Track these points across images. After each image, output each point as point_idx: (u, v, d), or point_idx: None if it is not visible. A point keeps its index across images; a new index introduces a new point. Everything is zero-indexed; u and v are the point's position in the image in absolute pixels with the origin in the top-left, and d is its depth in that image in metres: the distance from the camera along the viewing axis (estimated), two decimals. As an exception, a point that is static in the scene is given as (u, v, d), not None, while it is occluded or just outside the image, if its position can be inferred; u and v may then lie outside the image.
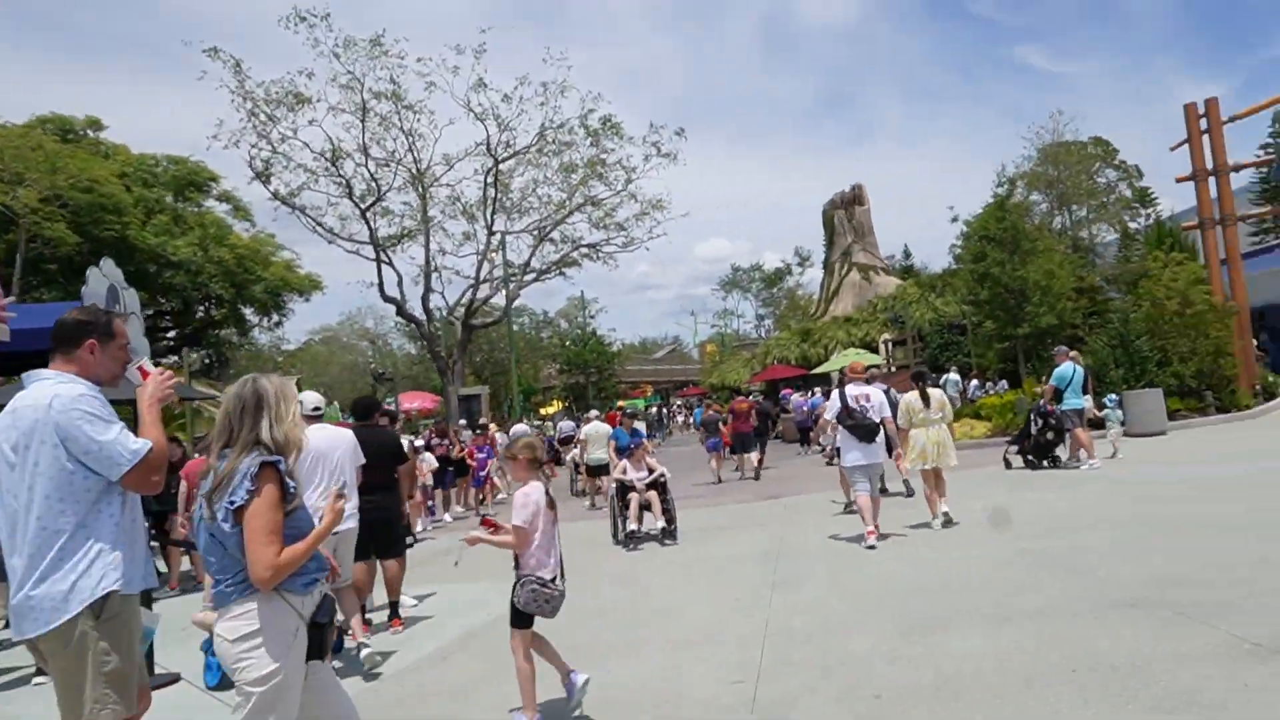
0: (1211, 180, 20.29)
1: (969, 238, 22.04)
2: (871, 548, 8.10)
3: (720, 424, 17.95)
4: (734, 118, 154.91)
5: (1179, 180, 20.92)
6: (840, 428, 8.55)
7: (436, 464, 14.31)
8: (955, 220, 22.62)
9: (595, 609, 6.84)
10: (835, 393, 8.79)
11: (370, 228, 31.97)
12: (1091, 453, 12.23)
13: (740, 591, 6.96)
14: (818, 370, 30.42)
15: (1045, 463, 12.81)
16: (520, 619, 4.30)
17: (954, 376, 26.23)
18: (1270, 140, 38.74)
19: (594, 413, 19.06)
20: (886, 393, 9.28)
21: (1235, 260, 20.21)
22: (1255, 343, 21.37)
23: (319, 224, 32.02)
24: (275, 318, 40.66)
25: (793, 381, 34.24)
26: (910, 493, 11.14)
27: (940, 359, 30.81)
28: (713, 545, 9.50)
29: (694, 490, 15.77)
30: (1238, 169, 20.44)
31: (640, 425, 26.66)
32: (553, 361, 56.93)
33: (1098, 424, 14.14)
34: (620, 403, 25.18)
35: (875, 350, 33.07)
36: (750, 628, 5.77)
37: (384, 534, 6.85)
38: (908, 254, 63.37)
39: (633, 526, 9.89)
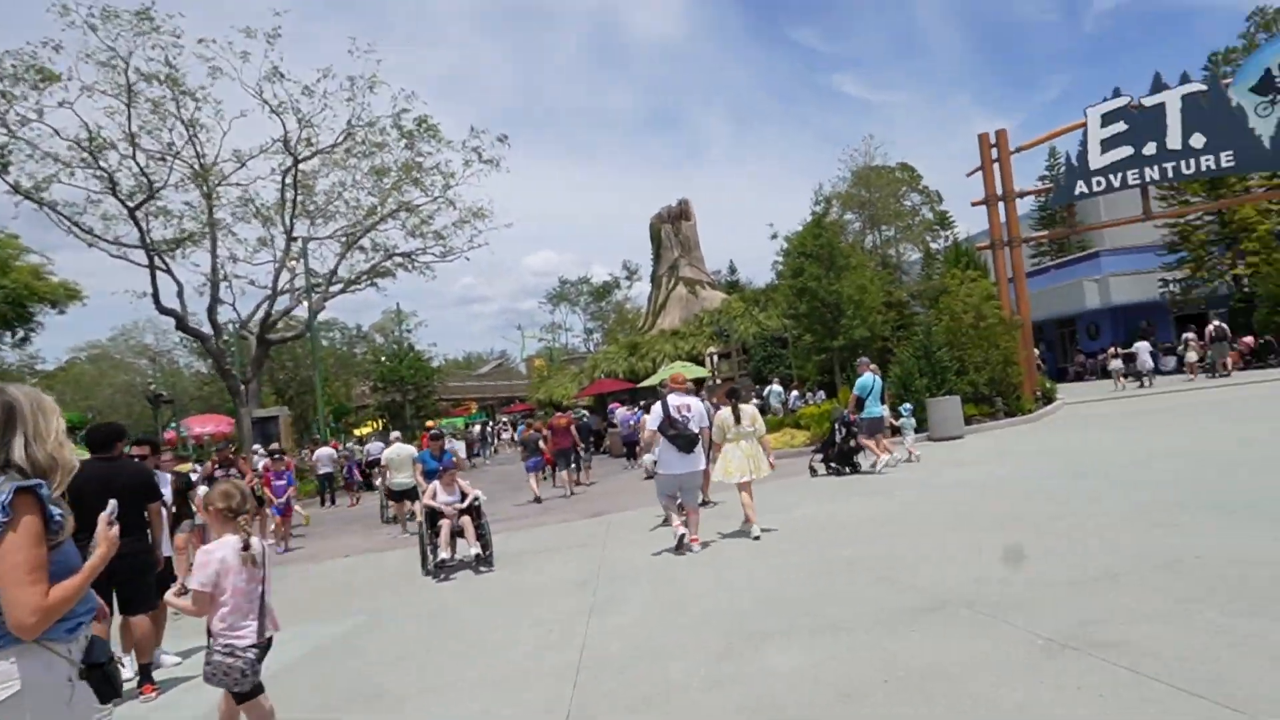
0: (1001, 205, 22.63)
1: (788, 254, 23.41)
2: (695, 550, 8.67)
3: (540, 442, 17.89)
4: (562, 129, 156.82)
5: (974, 204, 23.23)
6: (662, 437, 8.76)
7: None
8: (775, 237, 23.95)
9: (398, 651, 6.57)
10: (657, 404, 9.06)
11: (141, 229, 28.49)
12: (881, 453, 13.43)
13: (557, 620, 6.80)
14: (645, 383, 31.08)
15: (848, 469, 13.80)
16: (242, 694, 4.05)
17: (777, 388, 27.69)
18: (1046, 172, 43.50)
19: (396, 434, 18.48)
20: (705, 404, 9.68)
21: (1020, 278, 22.61)
22: (1036, 353, 23.92)
23: (75, 223, 28.31)
24: (20, 333, 35.01)
25: (620, 395, 34.62)
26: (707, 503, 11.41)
27: (763, 371, 32.37)
28: (530, 571, 9.29)
29: (515, 511, 15.50)
30: (1023, 195, 22.92)
31: (459, 445, 26.21)
32: (366, 379, 54.46)
33: (896, 431, 15.45)
34: (429, 422, 24.38)
35: (701, 363, 34.25)
36: (565, 659, 5.64)
37: (131, 585, 6.21)
38: (733, 269, 66.13)
39: (444, 555, 9.38)
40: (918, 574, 6.70)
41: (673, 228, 44.60)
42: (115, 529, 2.70)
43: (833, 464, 13.96)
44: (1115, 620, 4.83)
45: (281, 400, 45.37)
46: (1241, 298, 30.32)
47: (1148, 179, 21.52)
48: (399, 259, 34.32)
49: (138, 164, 28.09)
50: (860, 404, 13.64)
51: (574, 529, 12.30)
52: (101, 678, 2.46)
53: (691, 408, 8.75)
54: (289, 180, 31.02)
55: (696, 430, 8.69)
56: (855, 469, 13.79)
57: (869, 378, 13.80)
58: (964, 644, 4.82)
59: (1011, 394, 20.24)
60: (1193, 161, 21.01)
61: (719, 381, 26.60)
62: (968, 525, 8.34)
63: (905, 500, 10.59)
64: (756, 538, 8.97)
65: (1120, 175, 21.65)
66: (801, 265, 22.63)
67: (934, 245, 50.28)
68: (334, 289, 33.98)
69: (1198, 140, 20.92)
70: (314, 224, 33.26)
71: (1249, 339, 27.71)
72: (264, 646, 4.14)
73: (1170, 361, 29.88)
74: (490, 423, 53.49)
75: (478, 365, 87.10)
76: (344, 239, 33.33)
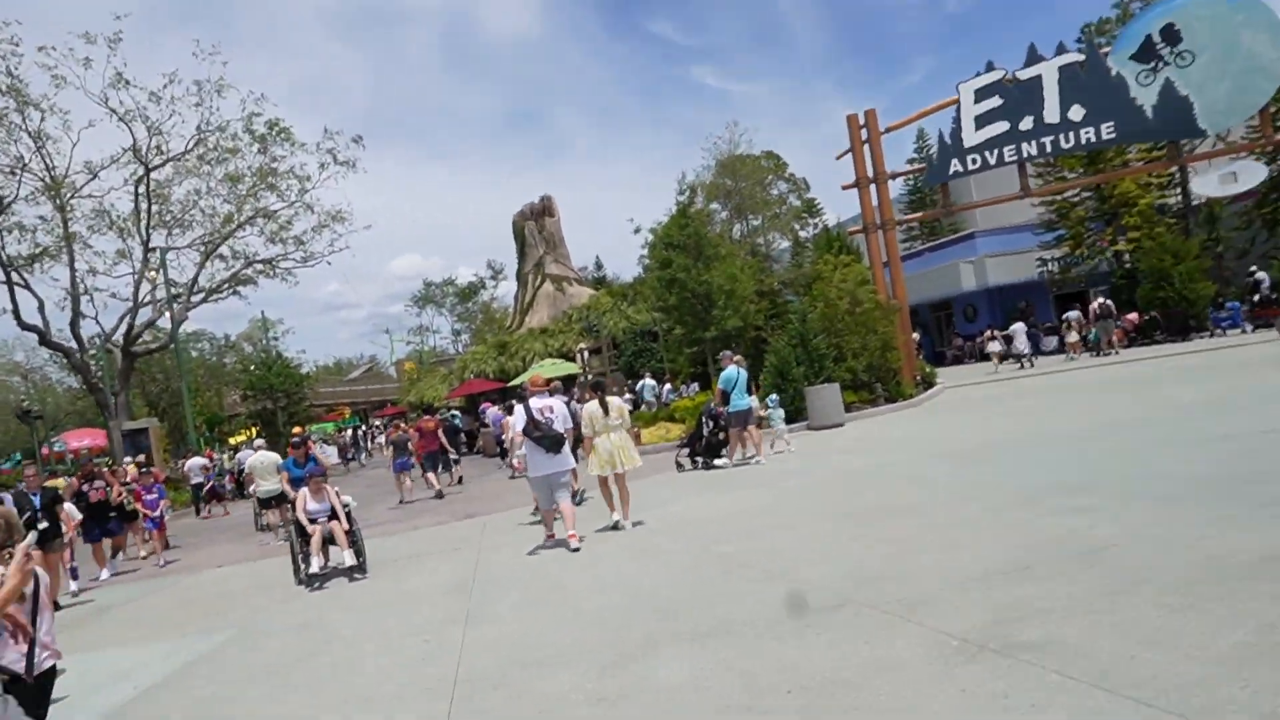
0: (872, 187, 22.17)
1: (654, 246, 22.17)
2: (574, 546, 8.36)
3: (409, 443, 18.01)
4: (421, 132, 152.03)
5: (845, 187, 22.66)
6: (527, 439, 8.78)
7: (79, 515, 12.21)
8: (637, 231, 22.92)
9: (264, 668, 6.07)
10: (519, 407, 9.08)
11: None
12: (752, 446, 13.26)
13: (431, 630, 6.22)
14: (516, 382, 29.37)
15: (716, 462, 13.51)
16: None
17: (649, 381, 26.60)
18: (916, 155, 44.10)
19: (259, 442, 18.54)
20: (567, 404, 9.77)
21: (895, 261, 22.17)
22: (915, 337, 23.51)
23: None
24: None
25: (491, 395, 33.23)
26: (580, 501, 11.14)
27: (635, 365, 31.22)
28: (405, 577, 8.68)
29: (388, 515, 14.99)
30: (894, 176, 22.53)
31: (331, 450, 24.36)
32: (236, 387, 52.24)
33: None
34: (295, 429, 22.66)
35: (572, 359, 32.76)
36: (441, 673, 5.12)
37: None
38: (599, 265, 65.00)
39: (315, 565, 8.93)
40: (810, 569, 5.99)
41: (536, 225, 43.02)
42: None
43: (699, 458, 13.77)
44: (1035, 617, 4.21)
45: (154, 412, 44.73)
46: (1123, 274, 30.94)
47: (1025, 154, 21.40)
48: (259, 266, 33.49)
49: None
50: (725, 397, 13.30)
51: (449, 532, 11.61)
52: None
53: (554, 409, 8.88)
54: (142, 190, 30.07)
55: (561, 430, 8.79)
56: (717, 462, 13.61)
57: (733, 370, 13.39)
58: (871, 648, 4.26)
59: (891, 379, 19.66)
60: (1072, 134, 20.98)
61: (590, 377, 25.15)
62: (857, 516, 7.52)
63: (786, 491, 9.71)
64: (636, 525, 9.06)
65: (996, 152, 21.46)
66: (669, 257, 21.47)
67: (803, 233, 50.61)
68: (195, 299, 32.87)
69: (1077, 112, 20.88)
70: (171, 234, 32.24)
71: (1133, 316, 28.23)
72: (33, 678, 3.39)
73: (1052, 341, 30.31)
74: (363, 427, 53.25)
75: (348, 370, 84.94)
76: (202, 248, 32.36)
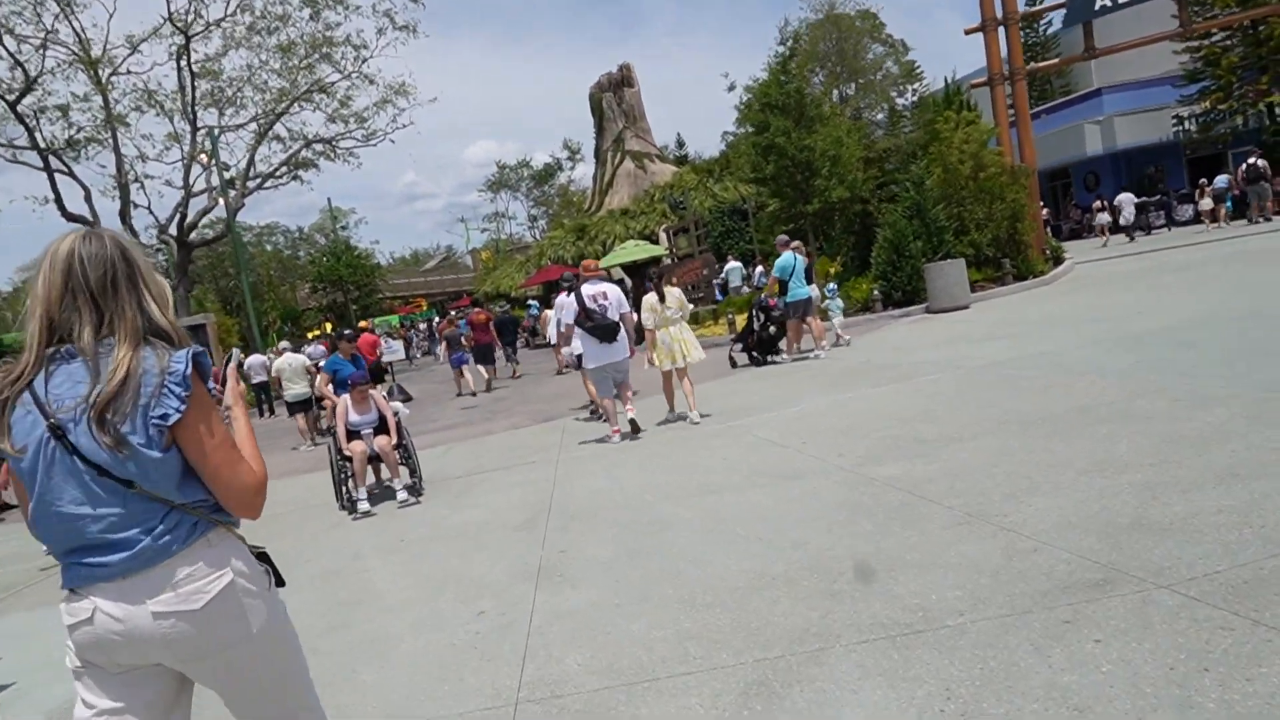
0: (1001, 30, 19.27)
1: (749, 108, 19.90)
2: (632, 420, 8.35)
3: (461, 338, 17.70)
4: (494, 15, 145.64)
5: (968, 31, 19.91)
6: (580, 330, 8.39)
7: None
8: (732, 89, 21.11)
9: None
10: (567, 296, 8.76)
11: (28, 127, 25.62)
12: (818, 337, 12.38)
13: (491, 594, 4.64)
14: (600, 265, 27.91)
15: (770, 358, 12.68)
16: None
17: (735, 264, 24.74)
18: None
19: (285, 343, 18.04)
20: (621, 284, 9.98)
21: (1025, 119, 19.61)
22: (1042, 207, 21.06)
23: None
24: None
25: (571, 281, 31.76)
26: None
27: (723, 247, 29.36)
28: (467, 503, 7.11)
29: (460, 416, 13.86)
30: (1030, 16, 19.48)
31: (397, 345, 23.73)
32: (307, 281, 52.21)
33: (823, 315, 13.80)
34: (361, 323, 21.98)
35: (656, 242, 31.05)
36: (496, 677, 3.55)
37: None
38: (681, 144, 62.14)
39: (361, 491, 7.52)
40: (1023, 508, 4.34)
41: (614, 96, 40.56)
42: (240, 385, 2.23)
43: (754, 353, 12.81)
44: None
45: (228, 308, 44.45)
46: (1276, 130, 27.34)
47: (1181, -16, 18.22)
48: (319, 147, 31.86)
49: (6, 49, 24.80)
50: (782, 286, 12.23)
51: (525, 438, 10.21)
52: (270, 563, 2.03)
53: (609, 295, 8.41)
54: (184, 62, 27.92)
55: (616, 318, 8.34)
56: (774, 358, 12.67)
57: (790, 257, 12.25)
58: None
59: (1019, 255, 17.44)
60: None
61: (677, 259, 23.53)
62: (1047, 423, 5.82)
63: (931, 389, 7.94)
64: (704, 417, 8.70)
65: (1150, -19, 18.33)
66: (766, 119, 19.22)
67: (900, 101, 46.84)
68: (251, 184, 31.26)
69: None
70: (224, 113, 30.53)
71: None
72: None
73: (1188, 210, 27.17)
74: (439, 319, 51.57)
75: (424, 262, 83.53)
76: (256, 128, 30.59)
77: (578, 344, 8.94)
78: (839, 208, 19.27)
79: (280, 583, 2.05)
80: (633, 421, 8.42)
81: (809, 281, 12.48)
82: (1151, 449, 4.89)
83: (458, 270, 70.06)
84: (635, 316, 8.95)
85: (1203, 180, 26.75)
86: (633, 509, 5.71)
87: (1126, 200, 26.04)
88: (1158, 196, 28.64)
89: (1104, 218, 27.37)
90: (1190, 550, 3.48)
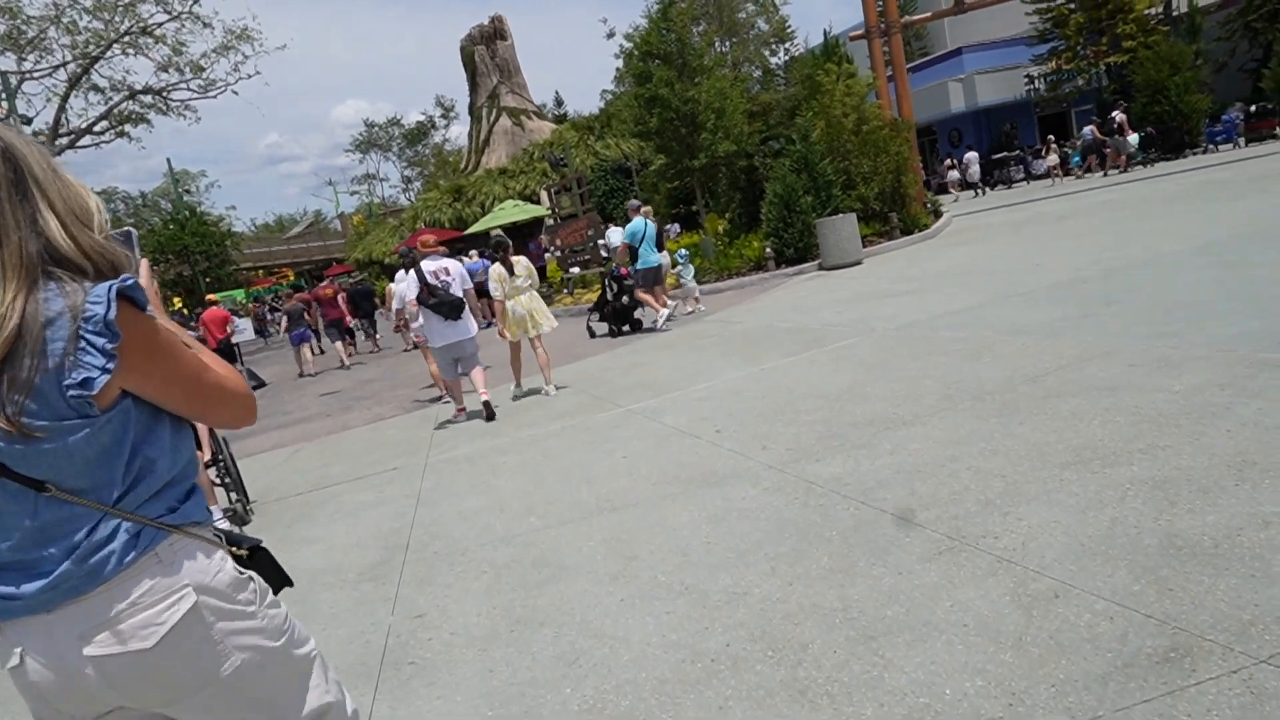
0: (876, -18, 18.44)
1: (630, 58, 18.45)
2: (486, 400, 7.80)
3: (303, 313, 16.57)
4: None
5: (844, -17, 18.85)
6: (423, 308, 7.76)
7: None
8: (611, 35, 19.11)
9: None
10: (409, 273, 7.92)
11: None
12: (659, 306, 11.55)
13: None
14: (474, 229, 26.07)
15: (627, 328, 12.01)
16: None
17: (616, 230, 23.39)
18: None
19: None
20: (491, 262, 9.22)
21: (901, 73, 18.97)
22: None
23: None
24: None
25: (451, 245, 29.80)
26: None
27: (607, 206, 27.99)
28: (301, 536, 5.36)
29: (319, 405, 11.94)
30: (900, -31, 18.68)
31: (244, 323, 21.37)
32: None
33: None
34: (209, 296, 19.61)
35: (537, 202, 29.36)
36: None
37: None
38: (560, 102, 59.92)
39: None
40: (1017, 527, 3.00)
41: (487, 50, 38.21)
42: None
43: (611, 324, 12.08)
44: None
45: None
46: (1114, 90, 27.94)
47: (1046, -61, 17.76)
48: (147, 99, 27.71)
49: None
50: (633, 253, 11.63)
51: (388, 433, 8.56)
52: (269, 561, 1.56)
53: (450, 271, 7.86)
54: None
55: (460, 294, 7.78)
56: (636, 326, 11.98)
57: (639, 222, 11.73)
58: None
59: (903, 209, 16.83)
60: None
61: (560, 219, 22.03)
62: (1002, 399, 4.64)
63: (852, 356, 6.83)
64: (560, 389, 8.43)
65: (1015, -64, 17.80)
66: (648, 69, 17.84)
67: (774, 60, 46.19)
68: (62, 140, 26.57)
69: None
70: (24, 59, 25.74)
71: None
72: None
73: (1042, 165, 27.51)
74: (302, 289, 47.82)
75: (290, 228, 78.02)
76: (67, 76, 26.13)
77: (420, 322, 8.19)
78: (724, 163, 18.16)
79: (280, 585, 1.57)
80: (486, 404, 7.82)
81: (660, 249, 11.88)
82: (1133, 430, 3.96)
83: (327, 236, 65.77)
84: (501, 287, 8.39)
85: (1050, 136, 27.23)
86: (515, 542, 4.34)
87: (972, 159, 27.57)
88: (1016, 151, 28.97)
89: (954, 175, 28.07)
90: (1266, 591, 2.49)
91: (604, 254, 22.77)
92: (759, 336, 9.09)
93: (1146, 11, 27.28)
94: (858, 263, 14.12)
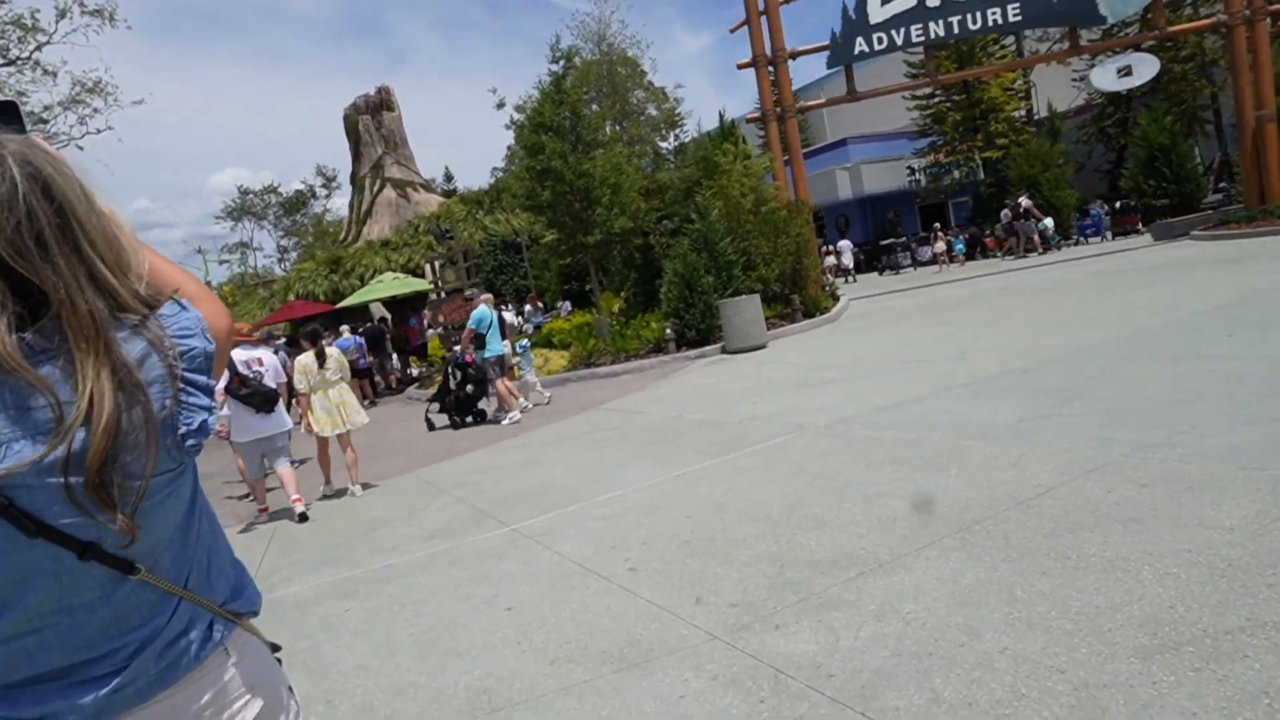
0: (771, 68, 18.31)
1: (522, 130, 17.46)
2: (302, 512, 7.18)
3: None
4: (248, 32, 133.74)
5: (740, 66, 18.80)
6: (231, 399, 7.23)
7: None
8: (501, 105, 18.11)
9: None
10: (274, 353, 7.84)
11: None
12: (511, 404, 10.93)
13: None
14: (348, 302, 24.19)
15: (470, 419, 11.28)
16: None
17: (507, 314, 22.31)
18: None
19: None
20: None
21: (797, 155, 18.66)
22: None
23: None
24: None
25: (323, 319, 27.65)
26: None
27: (495, 282, 26.72)
28: None
29: None
30: (796, 55, 18.67)
31: None
32: None
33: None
34: None
35: (421, 275, 27.74)
36: None
37: None
38: (450, 177, 58.79)
39: None
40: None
41: (373, 120, 36.72)
42: None
43: (454, 415, 11.32)
44: None
45: None
46: (991, 183, 29.00)
47: (933, 34, 18.08)
48: None
49: None
50: (480, 340, 11.01)
51: None
52: None
53: (264, 361, 7.48)
54: None
55: (274, 385, 7.39)
56: (480, 418, 11.29)
57: (484, 310, 11.16)
58: None
59: (803, 291, 16.23)
60: (979, 15, 17.86)
61: (444, 294, 20.51)
62: (988, 529, 3.48)
63: (783, 463, 5.63)
64: (368, 487, 8.00)
65: (903, 30, 18.10)
66: (540, 141, 16.86)
67: (663, 146, 46.61)
68: None
69: (984, -10, 17.71)
70: None
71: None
72: None
73: (927, 251, 28.01)
74: None
75: (156, 297, 72.52)
76: None
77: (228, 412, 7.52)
78: (620, 240, 17.22)
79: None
80: (302, 515, 7.22)
81: (503, 338, 11.35)
82: (1210, 591, 2.89)
83: (194, 307, 61.33)
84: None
85: (936, 224, 27.90)
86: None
87: (845, 247, 28.87)
88: (903, 239, 29.54)
89: (830, 260, 28.55)
90: None
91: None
92: (668, 431, 7.86)
93: (1015, 113, 28.66)
94: (763, 346, 13.24)
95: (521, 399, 11.41)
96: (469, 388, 11.17)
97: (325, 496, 8.10)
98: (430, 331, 21.71)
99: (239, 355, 7.30)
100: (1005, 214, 24.28)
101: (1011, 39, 29.43)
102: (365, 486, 8.04)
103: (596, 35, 35.02)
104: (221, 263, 62.19)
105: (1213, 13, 18.15)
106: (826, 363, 10.42)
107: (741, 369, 11.38)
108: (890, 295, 19.49)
